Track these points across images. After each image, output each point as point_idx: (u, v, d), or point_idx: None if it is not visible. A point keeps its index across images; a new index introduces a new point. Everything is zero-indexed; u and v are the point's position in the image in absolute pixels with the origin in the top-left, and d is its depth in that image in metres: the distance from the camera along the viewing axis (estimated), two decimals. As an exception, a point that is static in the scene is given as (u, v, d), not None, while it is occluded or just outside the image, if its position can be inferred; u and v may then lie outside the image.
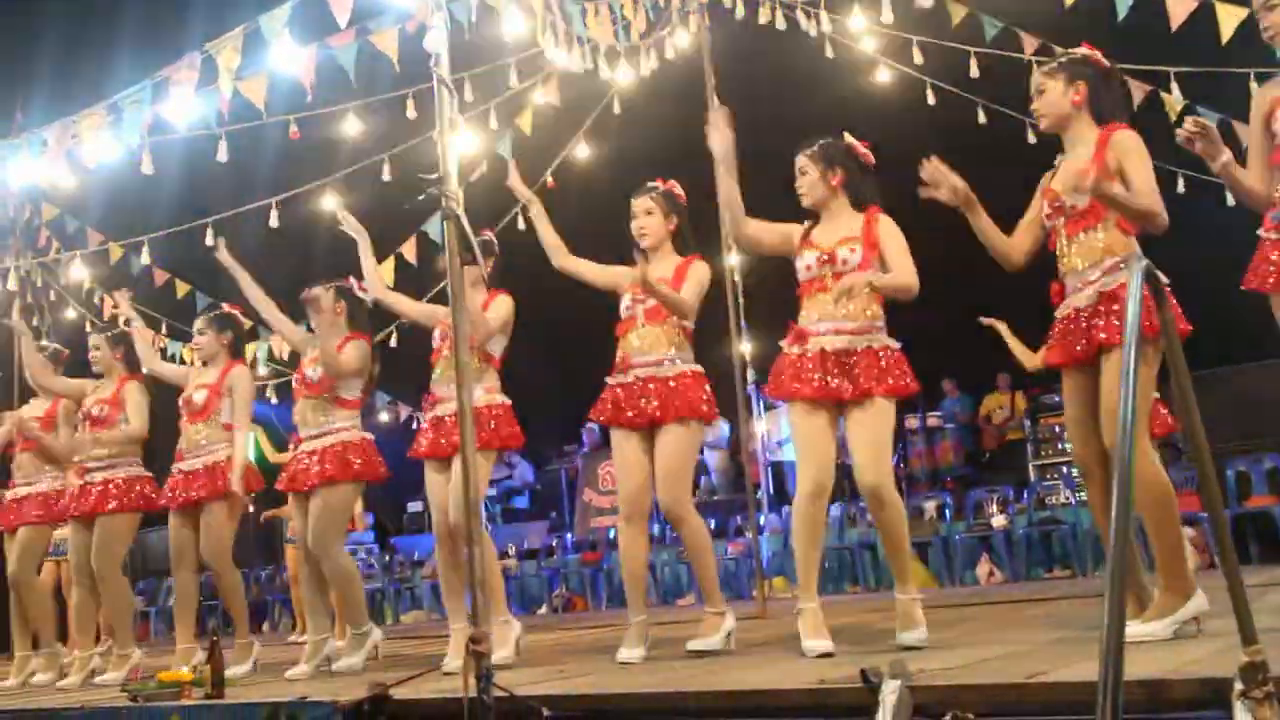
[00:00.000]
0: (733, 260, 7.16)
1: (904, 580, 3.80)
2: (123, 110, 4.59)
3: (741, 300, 7.31)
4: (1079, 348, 3.47)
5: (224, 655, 4.20)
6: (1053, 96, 3.66)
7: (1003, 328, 5.62)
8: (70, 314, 10.09)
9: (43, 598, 6.40)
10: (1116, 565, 1.68)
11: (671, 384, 4.22)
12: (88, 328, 9.91)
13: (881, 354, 3.80)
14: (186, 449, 5.46)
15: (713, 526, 10.16)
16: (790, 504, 10.36)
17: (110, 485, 5.66)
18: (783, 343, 3.95)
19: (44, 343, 6.89)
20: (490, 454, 4.69)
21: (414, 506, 13.32)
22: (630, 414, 4.22)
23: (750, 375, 8.33)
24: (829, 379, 3.77)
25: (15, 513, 6.18)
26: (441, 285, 5.67)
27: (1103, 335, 3.38)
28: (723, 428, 11.14)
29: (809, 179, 4.00)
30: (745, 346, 7.78)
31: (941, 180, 3.60)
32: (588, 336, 4.62)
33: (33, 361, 6.19)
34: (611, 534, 10.85)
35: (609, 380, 4.34)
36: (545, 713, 2.96)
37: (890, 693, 2.48)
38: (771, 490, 10.65)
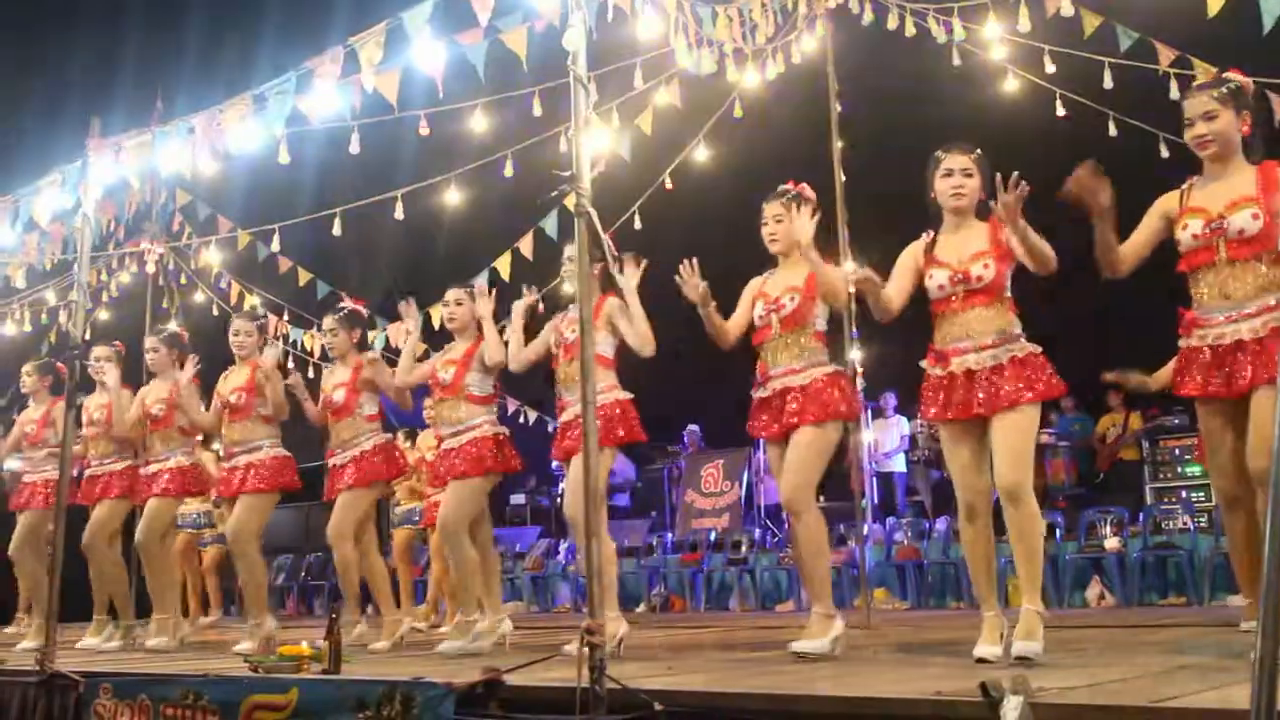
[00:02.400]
0: (849, 266, 7.10)
1: (1032, 589, 3.71)
2: (267, 100, 4.74)
3: (854, 307, 7.25)
4: (1241, 380, 3.38)
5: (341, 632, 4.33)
6: (1224, 124, 3.64)
7: (1132, 378, 5.40)
8: (199, 297, 10.46)
9: (169, 566, 6.65)
10: (1272, 593, 1.63)
11: (808, 390, 4.25)
12: (214, 311, 10.29)
13: (1025, 361, 3.74)
14: (335, 445, 5.74)
15: (815, 534, 10.10)
16: (896, 516, 10.27)
17: (252, 468, 5.90)
18: (924, 362, 3.92)
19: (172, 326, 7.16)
20: (608, 450, 4.75)
21: (516, 499, 13.50)
22: (773, 426, 4.27)
23: (859, 384, 8.25)
24: (974, 399, 3.73)
25: (146, 486, 6.45)
26: (556, 281, 5.76)
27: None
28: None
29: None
30: (855, 354, 7.71)
31: (1096, 188, 3.56)
32: (692, 336, 4.64)
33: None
34: (712, 535, 10.84)
35: (753, 394, 4.41)
36: (657, 707, 2.98)
37: (1012, 708, 2.45)
38: (877, 500, 10.53)
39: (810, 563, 4.28)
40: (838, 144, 6.78)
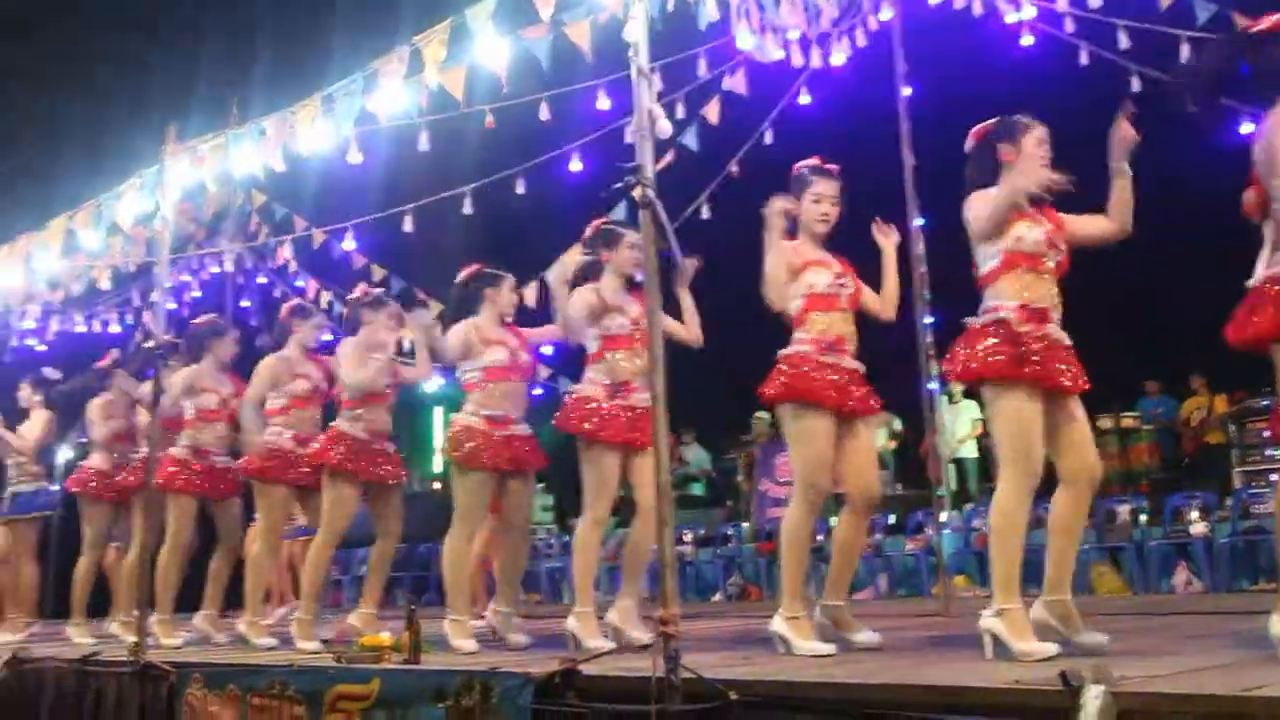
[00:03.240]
0: (919, 250, 7.02)
1: None
2: (335, 101, 4.82)
3: (929, 294, 7.16)
4: None
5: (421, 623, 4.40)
6: None
7: None
8: (276, 295, 10.67)
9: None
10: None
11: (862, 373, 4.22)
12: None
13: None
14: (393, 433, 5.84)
15: (891, 522, 10.02)
16: (972, 501, 10.08)
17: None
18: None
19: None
20: None
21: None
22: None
23: (933, 369, 8.15)
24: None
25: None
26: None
27: None
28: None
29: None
30: (929, 339, 7.61)
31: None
32: (763, 323, 4.62)
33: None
34: (788, 525, 10.79)
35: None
36: (732, 696, 2.98)
37: (1094, 697, 2.41)
38: (954, 486, 10.41)
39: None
40: (906, 126, 6.70)
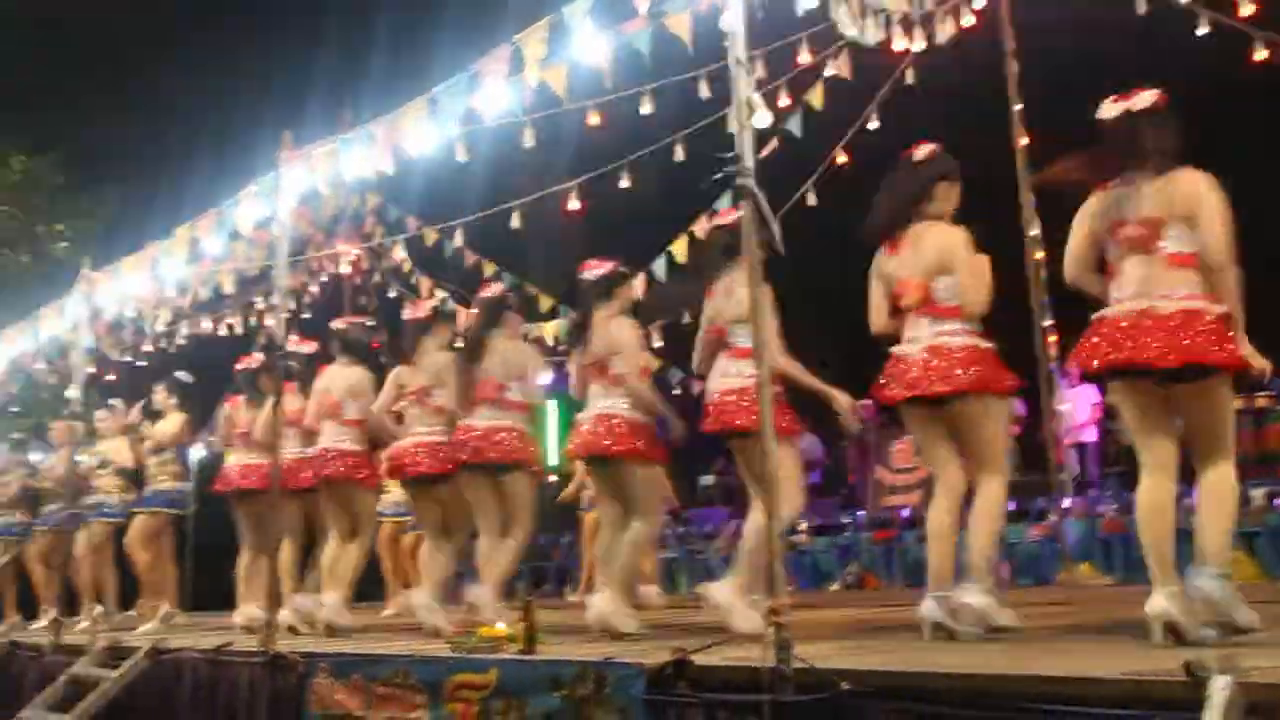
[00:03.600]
0: (1035, 231, 6.87)
1: None
2: (440, 102, 4.92)
3: (1044, 274, 7.00)
4: None
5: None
6: None
7: None
8: (391, 294, 10.93)
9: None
10: None
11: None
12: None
13: None
14: None
15: (1012, 509, 9.81)
16: (1097, 487, 9.81)
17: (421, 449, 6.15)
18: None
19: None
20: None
21: (705, 480, 13.57)
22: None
23: (1052, 353, 7.94)
24: None
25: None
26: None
27: None
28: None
29: None
30: (1047, 320, 7.43)
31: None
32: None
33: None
34: (905, 512, 10.66)
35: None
36: (844, 686, 2.97)
37: (1221, 689, 2.33)
38: (1078, 471, 10.14)
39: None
40: (1017, 106, 6.55)
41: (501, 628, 4.54)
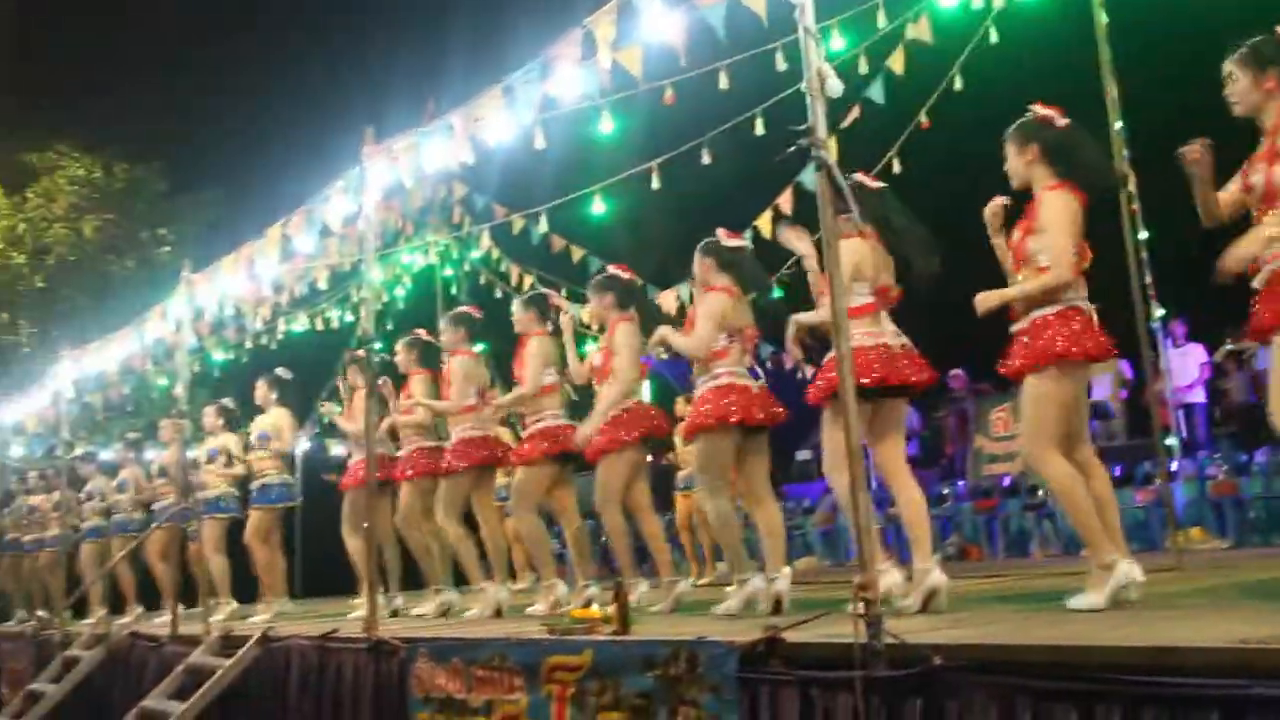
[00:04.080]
0: (1130, 188, 6.64)
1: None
2: (515, 90, 4.94)
3: (1143, 234, 6.77)
4: None
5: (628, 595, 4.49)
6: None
7: None
8: (481, 280, 11.05)
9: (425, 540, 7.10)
10: None
11: (1028, 333, 4.02)
12: (498, 294, 10.86)
13: None
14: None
15: (1117, 474, 9.56)
16: (1207, 450, 9.50)
17: (531, 439, 6.21)
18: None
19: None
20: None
21: (802, 455, 13.48)
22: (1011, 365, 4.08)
23: (1157, 311, 7.69)
24: None
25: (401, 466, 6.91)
26: (818, 236, 5.68)
27: None
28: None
29: (1240, 86, 3.69)
30: (1148, 279, 7.20)
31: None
32: (969, 282, 4.47)
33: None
34: (1006, 481, 10.46)
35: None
36: (937, 661, 2.93)
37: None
38: (1185, 434, 9.83)
39: (1072, 516, 4.04)
40: (1107, 57, 6.33)
41: (595, 609, 4.57)
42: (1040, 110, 4.19)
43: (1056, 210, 3.99)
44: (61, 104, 16.57)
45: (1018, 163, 4.14)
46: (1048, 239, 3.96)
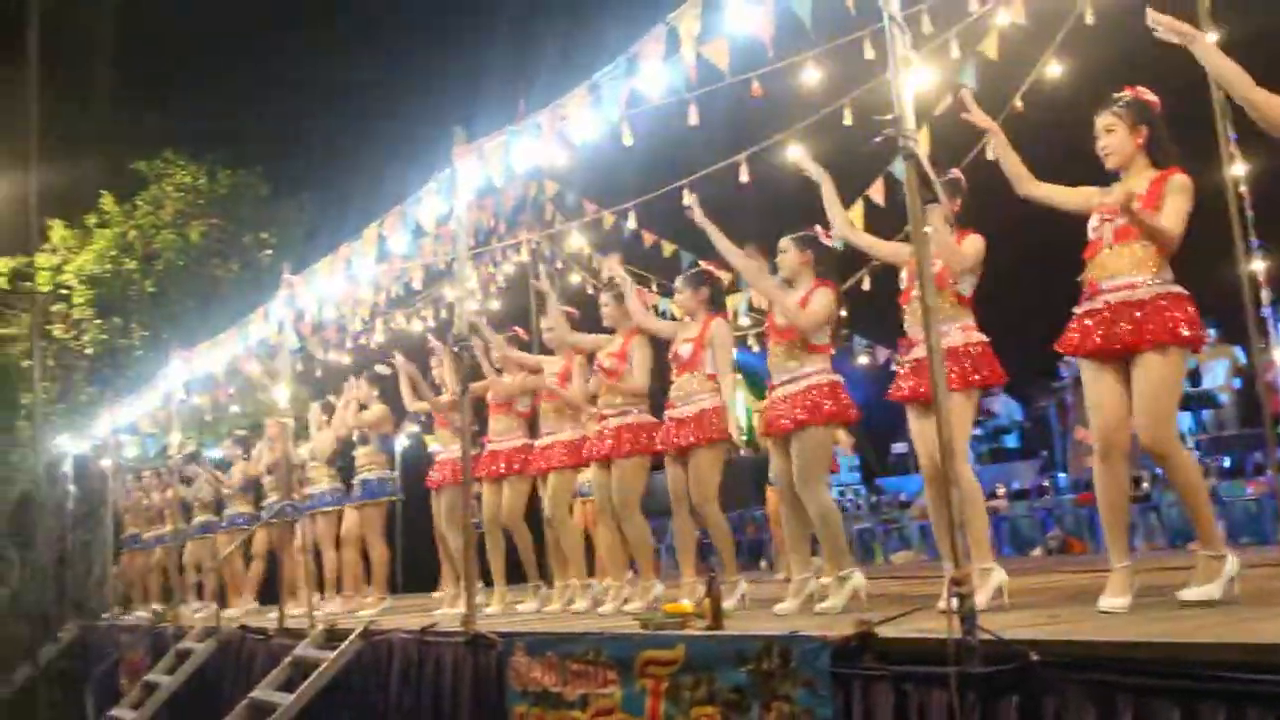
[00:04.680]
0: (1238, 170, 6.42)
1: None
2: (601, 88, 4.97)
3: (1250, 214, 6.54)
4: None
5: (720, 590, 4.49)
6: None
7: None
8: (574, 278, 11.11)
9: (575, 534, 7.15)
10: None
11: (1146, 307, 3.89)
12: (589, 290, 10.92)
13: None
14: (676, 398, 5.89)
15: (1227, 465, 9.26)
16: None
17: (623, 431, 6.22)
18: None
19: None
20: (971, 393, 4.57)
21: (899, 448, 13.33)
22: (1098, 341, 3.95)
23: (1265, 295, 7.42)
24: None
25: (544, 458, 6.96)
26: (908, 227, 5.60)
27: None
28: None
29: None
30: (1258, 265, 6.95)
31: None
32: (1069, 269, 4.37)
33: (556, 320, 6.84)
34: (1110, 473, 10.21)
35: (1076, 310, 4.09)
36: (1033, 657, 2.88)
37: None
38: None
39: (1189, 502, 3.93)
40: (1212, 36, 6.12)
41: (687, 604, 4.59)
42: (1147, 94, 4.10)
43: (1189, 195, 3.96)
44: (167, 113, 17.14)
45: (1127, 142, 4.06)
46: (1170, 220, 3.90)
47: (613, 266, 6.51)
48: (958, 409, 4.31)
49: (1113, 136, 4.06)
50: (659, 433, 6.05)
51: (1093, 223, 4.09)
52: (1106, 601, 3.81)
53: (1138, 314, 3.85)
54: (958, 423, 4.33)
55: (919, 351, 4.55)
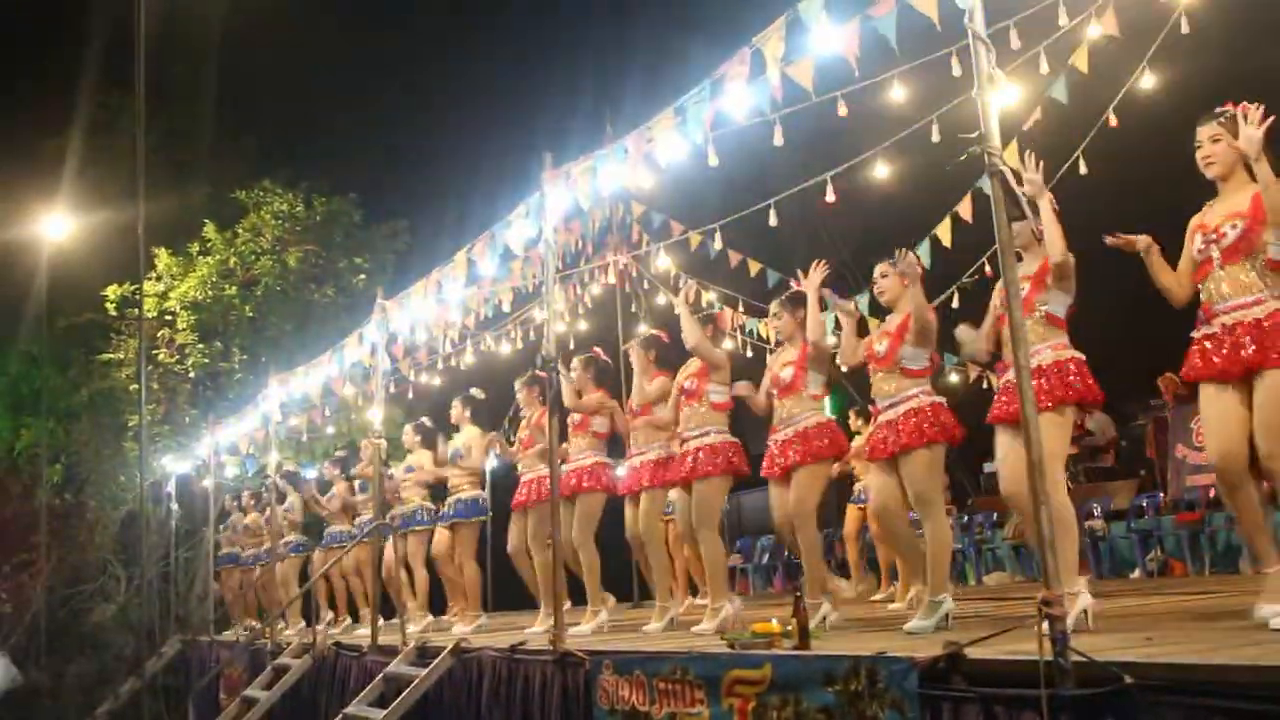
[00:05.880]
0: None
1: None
2: (686, 110, 5.02)
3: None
4: None
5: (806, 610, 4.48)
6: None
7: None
8: (660, 300, 11.17)
9: (661, 552, 7.19)
10: None
11: (1265, 325, 3.81)
12: (677, 310, 10.95)
13: None
14: (779, 422, 5.92)
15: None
16: None
17: (701, 452, 6.26)
18: None
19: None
20: (1064, 411, 4.49)
21: (990, 468, 13.10)
22: (1219, 364, 3.88)
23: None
24: None
25: (634, 478, 7.02)
26: (993, 248, 5.55)
27: None
28: None
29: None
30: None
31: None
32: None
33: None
34: (1212, 493, 9.91)
35: (1194, 334, 4.03)
36: (1127, 680, 2.83)
37: None
38: None
39: None
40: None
41: (775, 624, 4.58)
42: (1253, 112, 4.03)
43: None
44: (265, 142, 17.69)
45: (1229, 153, 4.02)
46: None
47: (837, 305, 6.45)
48: (1049, 429, 4.25)
49: (1217, 146, 4.02)
50: (739, 453, 6.12)
51: (1198, 244, 4.04)
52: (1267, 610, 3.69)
53: (1257, 333, 3.81)
54: (1050, 443, 4.27)
55: (1012, 374, 4.50)
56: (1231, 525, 9.45)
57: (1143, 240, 4.20)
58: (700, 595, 9.24)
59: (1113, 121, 7.22)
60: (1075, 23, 6.74)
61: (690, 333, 6.32)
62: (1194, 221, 4.16)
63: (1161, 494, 10.53)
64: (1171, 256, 4.21)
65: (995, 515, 11.79)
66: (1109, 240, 4.29)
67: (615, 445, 7.54)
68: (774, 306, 6.24)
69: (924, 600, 5.08)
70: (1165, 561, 9.68)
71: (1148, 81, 7.11)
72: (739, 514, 15.39)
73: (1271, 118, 3.90)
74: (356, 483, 10.69)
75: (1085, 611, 4.22)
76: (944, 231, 7.92)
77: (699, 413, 6.37)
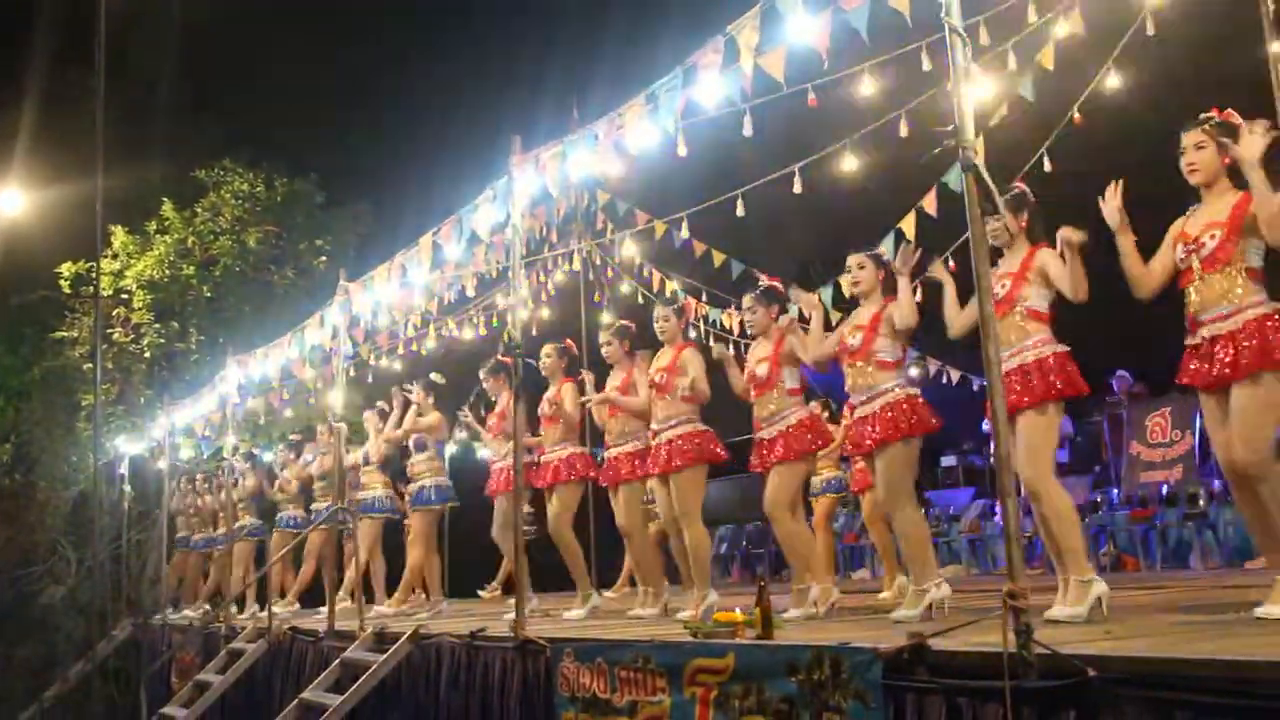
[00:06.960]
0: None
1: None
2: (658, 98, 4.99)
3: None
4: None
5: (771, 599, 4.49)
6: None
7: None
8: (625, 288, 11.15)
9: (645, 545, 7.20)
10: None
11: (1239, 337, 3.86)
12: (640, 300, 10.95)
13: None
14: (761, 419, 5.90)
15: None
16: None
17: (674, 443, 6.26)
18: None
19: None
20: (1049, 406, 4.43)
21: (948, 461, 13.21)
22: (1205, 373, 3.95)
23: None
24: None
25: (613, 471, 7.00)
26: (963, 238, 5.57)
27: None
28: None
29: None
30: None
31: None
32: (1109, 277, 4.34)
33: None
34: (1164, 490, 10.06)
35: (1186, 342, 4.09)
36: (1091, 673, 2.85)
37: None
38: None
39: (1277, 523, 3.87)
40: (1274, 47, 6.02)
41: (738, 613, 4.58)
42: (1235, 117, 4.07)
43: None
44: (226, 122, 17.44)
45: (1214, 160, 4.06)
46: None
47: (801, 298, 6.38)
48: (1034, 425, 4.30)
49: (1202, 153, 4.06)
50: (714, 442, 6.17)
51: (1179, 254, 4.08)
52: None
53: (1230, 347, 3.87)
54: (1039, 436, 4.31)
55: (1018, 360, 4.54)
56: (1182, 522, 9.61)
57: (1117, 218, 4.18)
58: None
59: (1078, 119, 7.28)
60: (1042, 20, 6.78)
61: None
62: (1175, 228, 4.19)
63: (1115, 490, 10.66)
64: (1143, 249, 4.23)
65: (950, 509, 11.90)
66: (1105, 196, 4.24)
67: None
68: (747, 300, 6.21)
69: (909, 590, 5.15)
70: (1118, 557, 9.82)
71: (1113, 80, 7.18)
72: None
73: (1276, 131, 3.94)
74: (314, 468, 10.57)
75: (1100, 600, 4.23)
76: (908, 225, 7.94)
77: (668, 403, 6.36)
